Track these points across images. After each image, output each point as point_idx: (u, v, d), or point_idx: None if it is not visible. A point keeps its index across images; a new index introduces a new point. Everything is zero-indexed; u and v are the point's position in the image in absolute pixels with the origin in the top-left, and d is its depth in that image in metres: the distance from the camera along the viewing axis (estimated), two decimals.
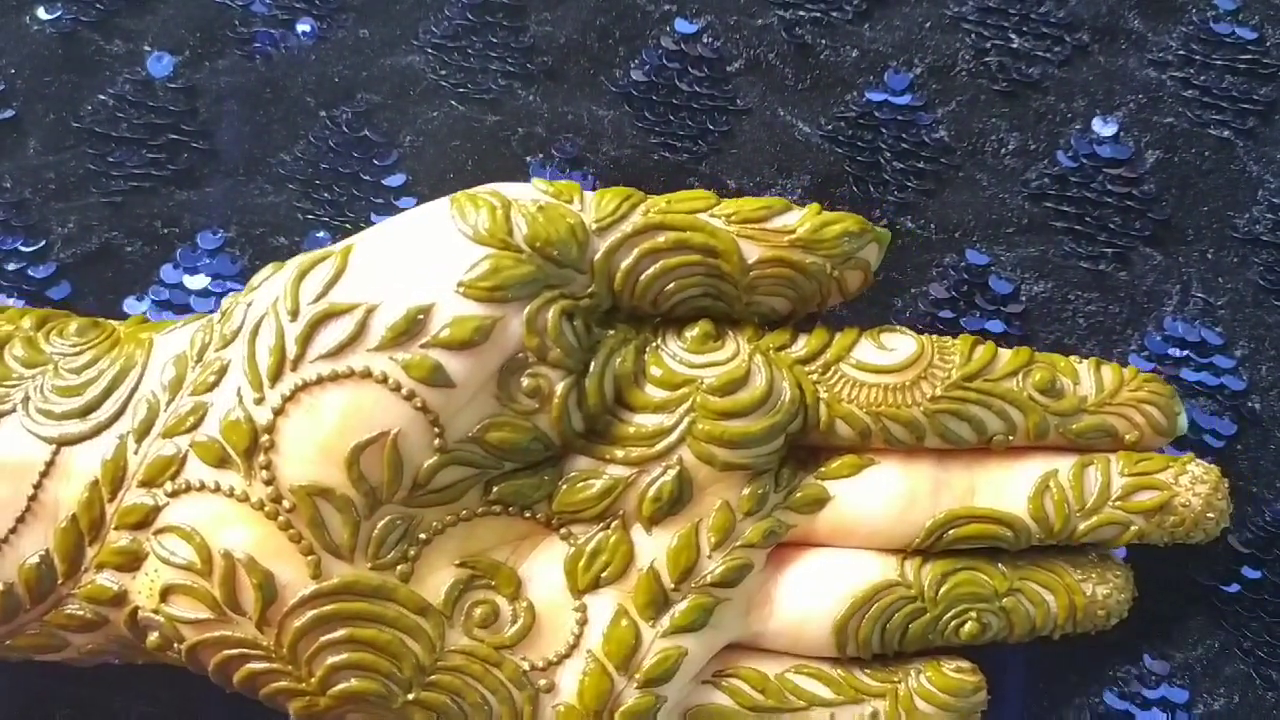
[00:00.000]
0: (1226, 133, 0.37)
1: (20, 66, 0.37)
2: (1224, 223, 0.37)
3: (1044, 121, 0.38)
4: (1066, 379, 0.31)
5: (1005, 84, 0.38)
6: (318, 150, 0.37)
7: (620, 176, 0.37)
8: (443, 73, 0.38)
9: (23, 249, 0.36)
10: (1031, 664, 0.34)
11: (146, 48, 0.38)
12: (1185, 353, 0.36)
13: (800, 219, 0.30)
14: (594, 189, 0.36)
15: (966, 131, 0.38)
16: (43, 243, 0.36)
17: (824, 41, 0.38)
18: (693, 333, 0.31)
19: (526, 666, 0.29)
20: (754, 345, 0.31)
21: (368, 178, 0.37)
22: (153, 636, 0.28)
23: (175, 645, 0.28)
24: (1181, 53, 0.38)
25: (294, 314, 0.28)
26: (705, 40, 0.38)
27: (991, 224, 0.37)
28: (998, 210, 0.37)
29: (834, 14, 0.38)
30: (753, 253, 0.30)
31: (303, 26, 0.38)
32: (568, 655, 0.30)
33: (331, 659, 0.28)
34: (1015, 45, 0.38)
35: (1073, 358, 0.32)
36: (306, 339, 0.27)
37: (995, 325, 0.36)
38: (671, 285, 0.30)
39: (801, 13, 0.38)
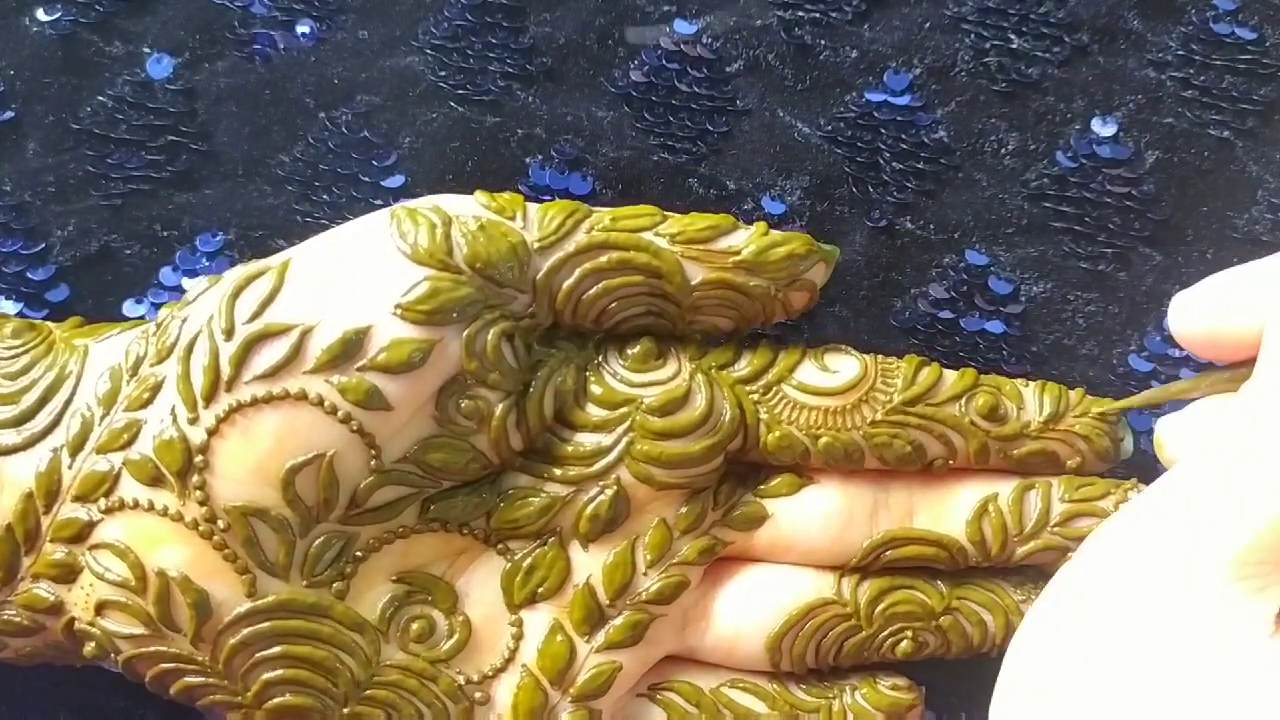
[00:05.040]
0: (1226, 133, 0.37)
1: (19, 68, 0.37)
2: (1224, 223, 0.37)
3: (1044, 122, 0.38)
4: (1011, 403, 0.31)
5: (1005, 84, 0.38)
6: (317, 152, 0.37)
7: (619, 177, 0.37)
8: (442, 74, 0.38)
9: (22, 252, 0.36)
10: None
11: (146, 49, 0.38)
12: (1185, 353, 0.36)
13: (746, 240, 0.30)
14: (593, 190, 0.37)
15: (966, 132, 0.38)
16: (42, 245, 0.36)
17: (824, 42, 0.38)
18: (634, 350, 0.31)
19: (462, 680, 0.30)
20: (696, 364, 0.31)
21: (367, 179, 0.37)
22: (89, 646, 0.28)
23: (112, 656, 0.28)
24: (1181, 53, 0.38)
25: (229, 333, 0.27)
26: (705, 41, 0.38)
27: (991, 224, 0.37)
28: (997, 210, 0.37)
29: (834, 14, 0.38)
30: (696, 274, 0.30)
31: (302, 28, 0.38)
32: (503, 669, 0.30)
33: (266, 675, 0.28)
34: (1015, 45, 0.38)
35: (1019, 380, 0.32)
36: (241, 360, 0.27)
37: (995, 326, 0.36)
38: (614, 305, 0.30)
39: (801, 13, 0.38)
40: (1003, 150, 0.37)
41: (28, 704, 0.33)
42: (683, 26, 0.38)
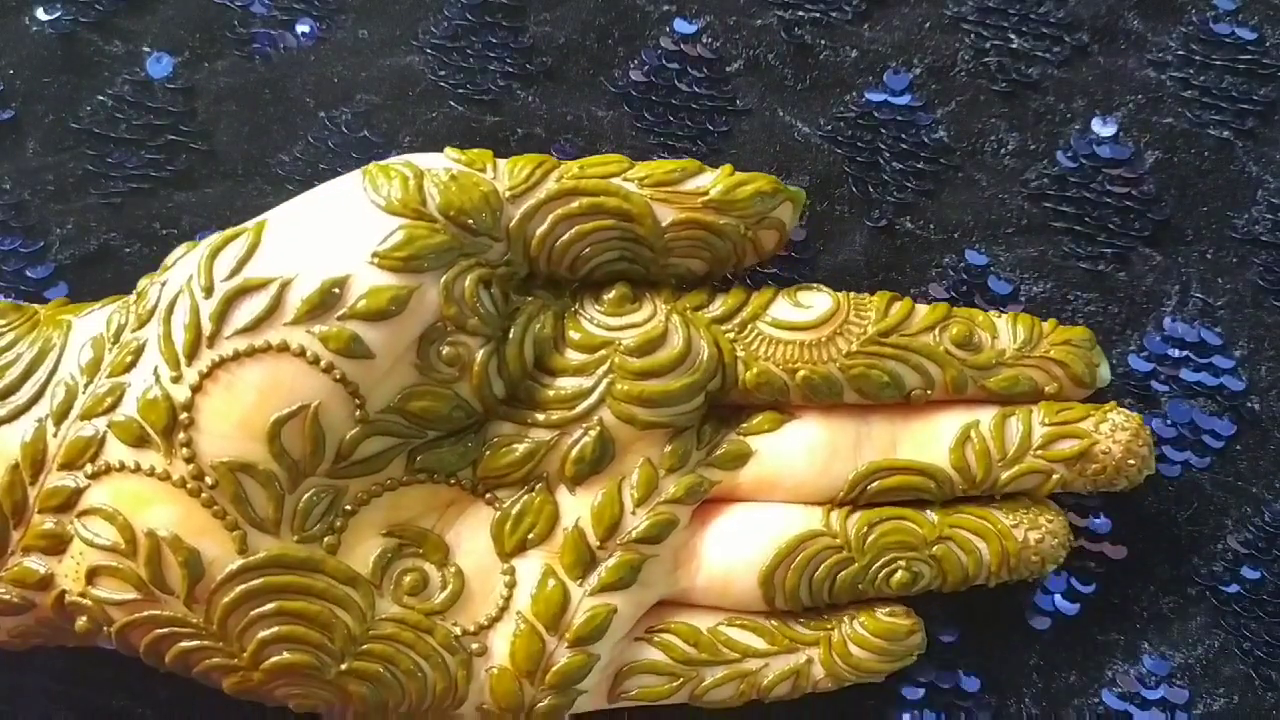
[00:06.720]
0: (1226, 133, 0.37)
1: (19, 67, 0.37)
2: (1223, 223, 0.37)
3: (1043, 121, 0.38)
4: (984, 333, 0.32)
5: (1005, 84, 0.38)
6: (317, 151, 0.37)
7: None
8: (442, 73, 0.38)
9: (21, 250, 0.36)
10: (1030, 664, 0.34)
11: (145, 49, 0.38)
12: (1184, 353, 0.36)
13: (713, 180, 0.31)
14: None
15: (966, 131, 0.38)
16: (41, 244, 0.36)
17: (824, 42, 0.38)
18: (610, 295, 0.31)
19: (458, 631, 0.30)
20: (671, 306, 0.31)
21: None
22: (81, 620, 0.28)
23: (105, 628, 0.28)
24: (1181, 53, 0.38)
25: (208, 291, 0.28)
26: (705, 40, 0.38)
27: (991, 224, 0.37)
28: (997, 210, 0.37)
29: (834, 14, 0.38)
30: (667, 215, 0.30)
31: (302, 27, 0.38)
32: (498, 618, 0.30)
33: (262, 633, 0.28)
34: (1015, 45, 0.38)
35: (992, 312, 0.32)
36: (222, 315, 0.27)
37: None
38: (587, 250, 0.30)
39: (801, 13, 0.38)
40: (1003, 150, 0.37)
41: (27, 703, 0.33)
42: (683, 26, 0.38)
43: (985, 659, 0.34)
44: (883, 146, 0.37)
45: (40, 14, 0.38)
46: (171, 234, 0.36)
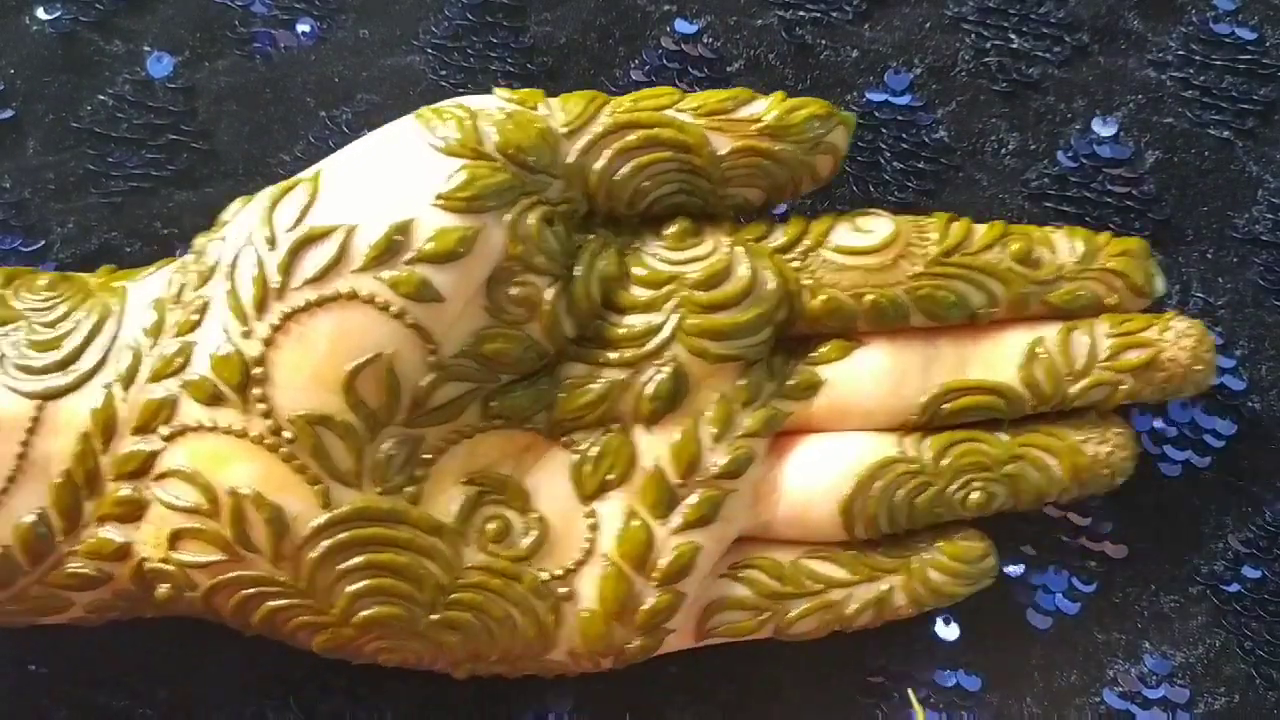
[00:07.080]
0: (1226, 133, 0.37)
1: (19, 67, 0.37)
2: (1224, 223, 0.37)
3: (1044, 121, 0.38)
4: (1043, 248, 0.32)
5: (1005, 84, 0.38)
6: (318, 151, 0.37)
7: None
8: (443, 73, 0.38)
9: (21, 249, 0.36)
10: (1032, 663, 0.34)
11: (146, 48, 0.38)
12: None
13: (767, 106, 0.30)
14: None
15: (966, 132, 0.38)
16: (41, 243, 0.36)
17: (824, 41, 0.38)
18: (671, 230, 0.31)
19: (545, 577, 0.29)
20: (733, 238, 0.31)
21: None
22: (163, 588, 0.28)
23: (188, 593, 0.28)
24: (1181, 53, 0.38)
25: (272, 243, 0.27)
26: (705, 40, 0.38)
27: None
28: (998, 210, 0.37)
29: (834, 14, 0.38)
30: (723, 144, 0.30)
31: (303, 27, 0.38)
32: (584, 562, 0.30)
33: (351, 587, 0.28)
34: (1015, 45, 0.38)
35: (1048, 227, 0.32)
36: (288, 266, 0.27)
37: None
38: (646, 183, 0.30)
39: (801, 13, 0.38)
40: (1003, 150, 0.37)
41: (27, 702, 0.33)
42: (683, 26, 0.38)
43: (986, 659, 0.34)
44: (883, 146, 0.37)
45: (40, 13, 0.38)
46: (172, 233, 0.36)
